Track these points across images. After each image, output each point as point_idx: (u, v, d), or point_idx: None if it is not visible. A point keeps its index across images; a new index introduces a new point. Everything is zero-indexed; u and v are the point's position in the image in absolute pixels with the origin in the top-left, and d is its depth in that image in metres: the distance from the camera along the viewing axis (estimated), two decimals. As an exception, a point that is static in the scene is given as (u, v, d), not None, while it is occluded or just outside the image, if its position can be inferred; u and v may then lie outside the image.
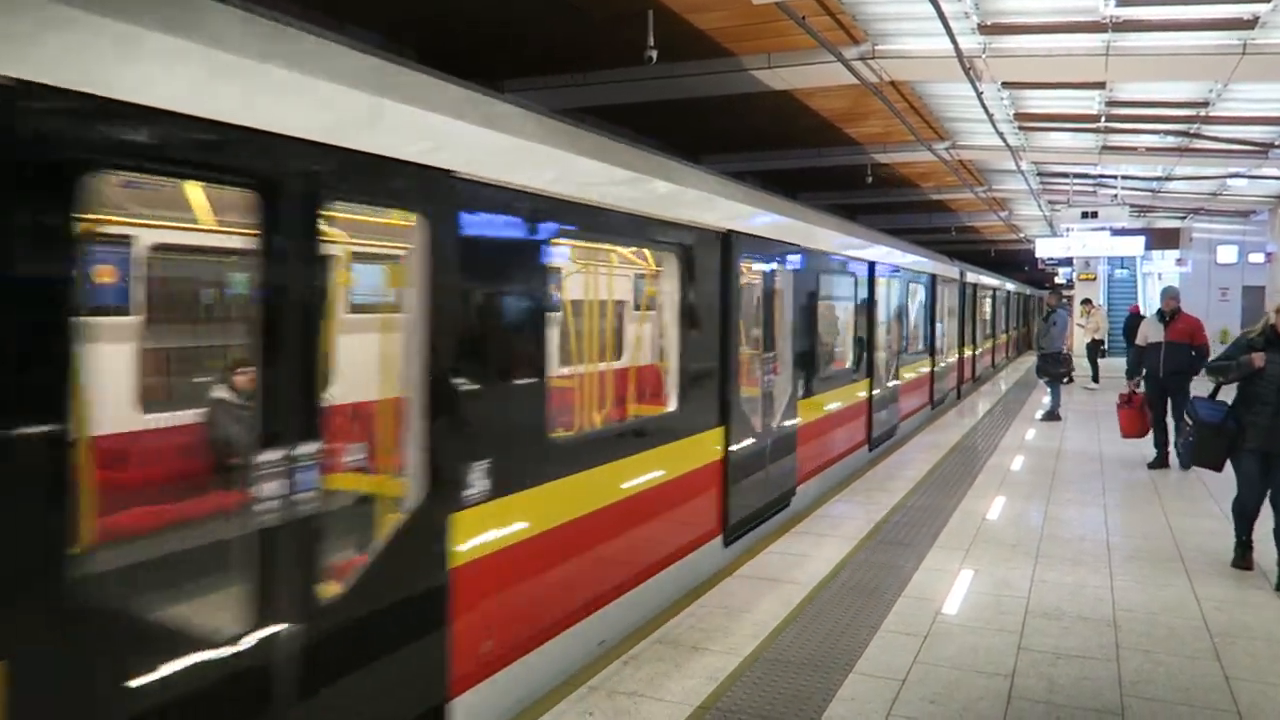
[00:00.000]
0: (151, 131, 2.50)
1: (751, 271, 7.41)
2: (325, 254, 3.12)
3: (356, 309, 6.87)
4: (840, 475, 9.56)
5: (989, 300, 23.95)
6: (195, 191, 4.61)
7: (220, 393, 5.48)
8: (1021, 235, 31.05)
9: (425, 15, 9.38)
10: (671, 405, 5.86)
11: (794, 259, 8.02)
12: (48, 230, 2.27)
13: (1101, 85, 11.60)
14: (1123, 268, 29.89)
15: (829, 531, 7.40)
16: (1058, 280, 36.90)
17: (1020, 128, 14.64)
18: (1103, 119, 13.50)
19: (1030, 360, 25.89)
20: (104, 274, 5.41)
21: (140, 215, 5.16)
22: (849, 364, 10.51)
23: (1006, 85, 11.95)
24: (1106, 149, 15.59)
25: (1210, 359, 7.89)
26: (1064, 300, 17.73)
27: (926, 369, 14.96)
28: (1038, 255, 27.39)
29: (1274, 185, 18.97)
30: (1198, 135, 14.06)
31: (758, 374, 7.37)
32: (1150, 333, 10.37)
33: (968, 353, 19.69)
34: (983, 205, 24.28)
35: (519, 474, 4.11)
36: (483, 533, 3.86)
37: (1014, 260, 40.55)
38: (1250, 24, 8.71)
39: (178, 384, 6.10)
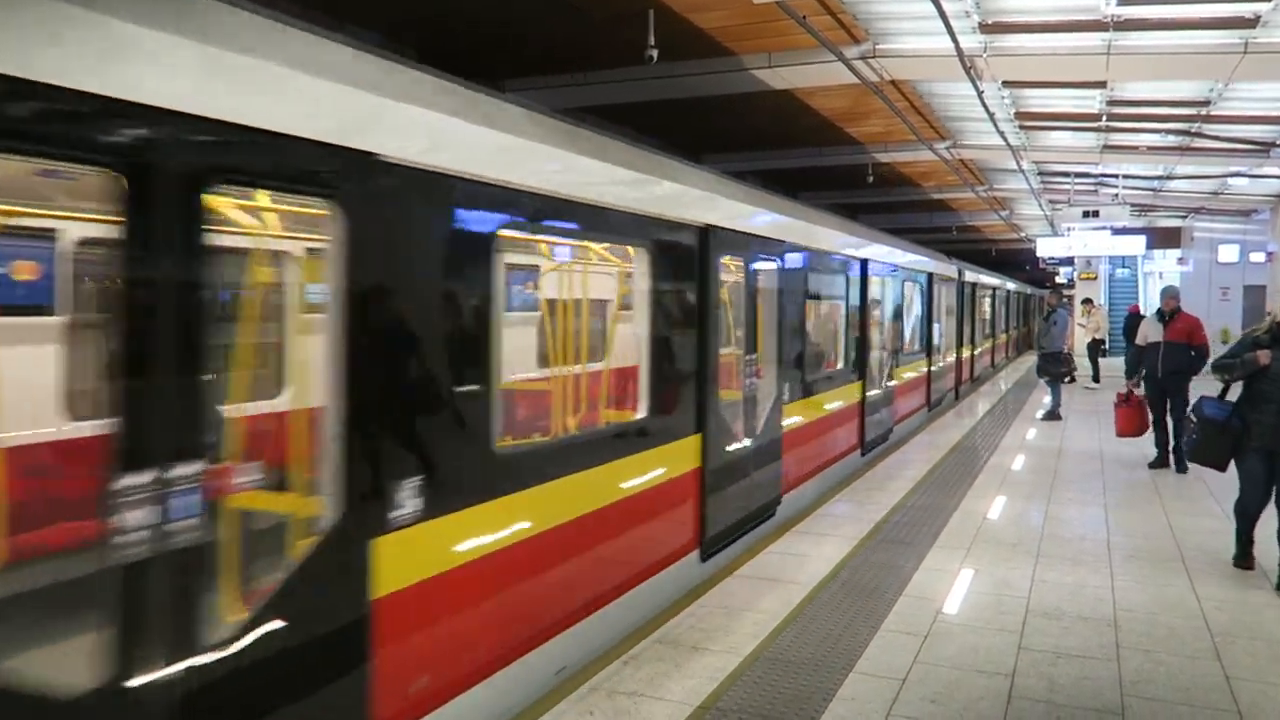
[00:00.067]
0: None
1: (733, 269, 7.01)
2: (210, 246, 2.70)
3: (269, 310, 6.10)
4: (830, 482, 9.35)
5: (988, 299, 23.88)
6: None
7: None
8: (1022, 234, 31.03)
9: (425, 15, 9.38)
10: (642, 411, 5.49)
11: (780, 256, 7.73)
12: None
13: (1102, 84, 11.59)
14: (1124, 267, 29.86)
15: (829, 531, 7.40)
16: (1059, 280, 36.92)
17: (1021, 127, 14.62)
18: (1104, 118, 13.48)
19: (1030, 360, 25.90)
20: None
21: None
22: (839, 365, 10.26)
23: (1007, 84, 11.95)
24: (1107, 148, 15.58)
25: (1214, 358, 7.88)
26: (1064, 300, 17.73)
27: (923, 370, 14.84)
28: (1039, 254, 27.43)
29: (1275, 184, 18.94)
30: (1199, 134, 14.04)
31: (739, 377, 6.98)
32: (1149, 332, 10.37)
33: (966, 353, 19.60)
34: (984, 205, 24.27)
35: (458, 491, 3.74)
36: (413, 558, 3.46)
37: (1015, 260, 40.53)
38: (1251, 23, 8.69)
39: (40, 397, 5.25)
